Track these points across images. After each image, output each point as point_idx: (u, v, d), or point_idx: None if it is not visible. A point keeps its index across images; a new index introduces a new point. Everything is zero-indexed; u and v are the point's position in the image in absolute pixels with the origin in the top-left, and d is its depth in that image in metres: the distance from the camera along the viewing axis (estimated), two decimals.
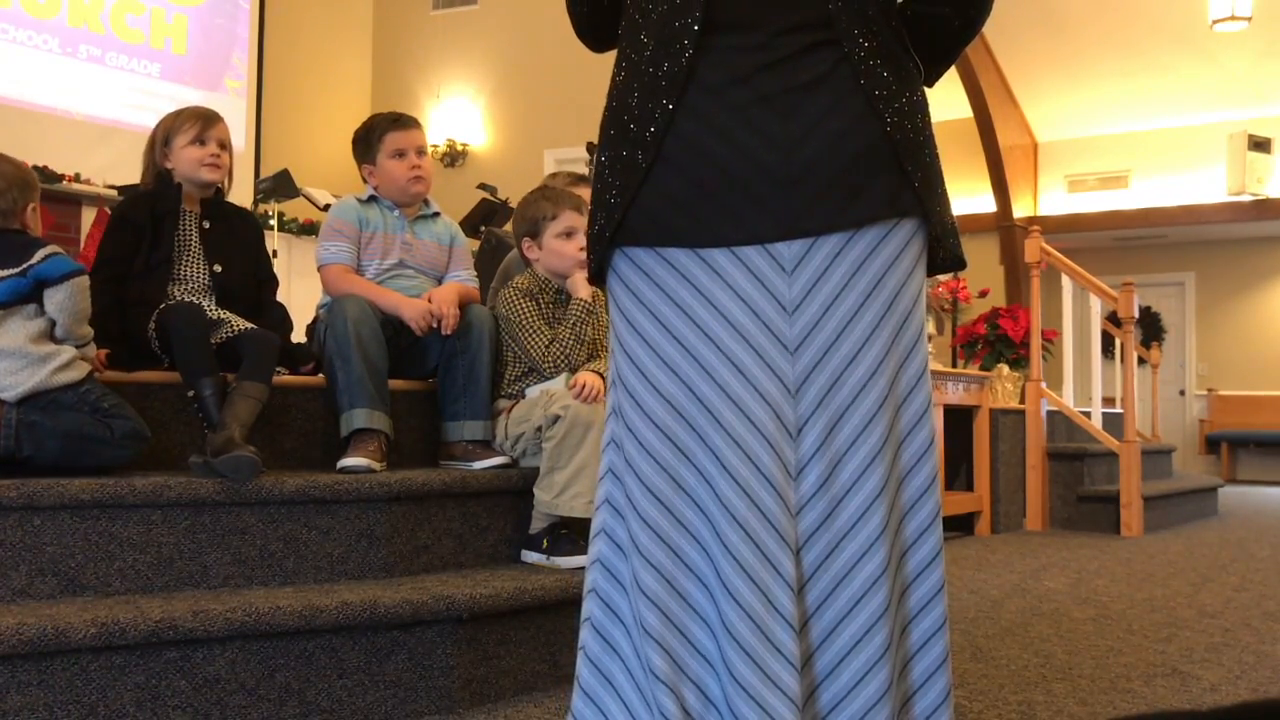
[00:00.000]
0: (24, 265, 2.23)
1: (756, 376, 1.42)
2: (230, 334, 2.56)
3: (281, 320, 2.83)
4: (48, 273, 2.24)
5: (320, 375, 2.74)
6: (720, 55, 1.45)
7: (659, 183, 1.45)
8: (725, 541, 1.40)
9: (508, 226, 4.64)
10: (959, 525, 5.38)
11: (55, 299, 2.24)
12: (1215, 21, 7.33)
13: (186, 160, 2.71)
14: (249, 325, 2.62)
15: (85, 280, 2.29)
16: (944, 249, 1.53)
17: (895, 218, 1.46)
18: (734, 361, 1.43)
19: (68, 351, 2.24)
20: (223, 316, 2.61)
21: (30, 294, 2.23)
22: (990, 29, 9.05)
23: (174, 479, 2.17)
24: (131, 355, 2.56)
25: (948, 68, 1.65)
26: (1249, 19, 7.26)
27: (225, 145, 2.80)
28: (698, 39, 1.44)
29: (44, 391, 2.20)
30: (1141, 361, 7.73)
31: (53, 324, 2.26)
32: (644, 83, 1.47)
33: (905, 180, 1.46)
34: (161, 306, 2.56)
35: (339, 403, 2.61)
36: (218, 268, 2.71)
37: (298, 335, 3.00)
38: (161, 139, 2.75)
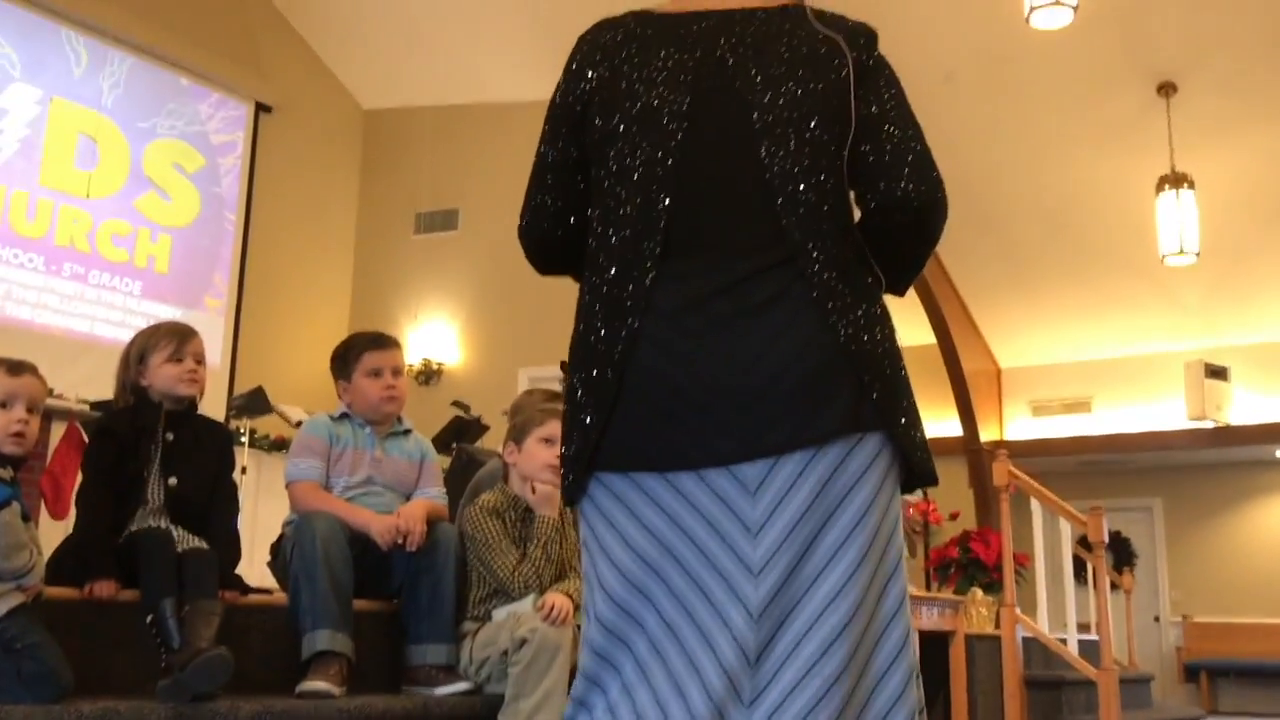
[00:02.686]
0: None
1: (720, 600, 1.41)
2: (178, 551, 2.50)
3: (228, 545, 2.70)
4: None
5: (278, 594, 2.68)
6: (677, 281, 1.48)
7: (627, 407, 1.47)
8: None
9: (480, 443, 4.64)
10: None
11: None
12: (1166, 255, 7.64)
13: (163, 377, 2.68)
14: (192, 544, 2.55)
15: (5, 515, 2.19)
16: (915, 464, 1.51)
17: (857, 433, 1.45)
18: (699, 585, 1.42)
19: None
20: (175, 534, 2.56)
21: None
22: (950, 258, 9.40)
23: (123, 704, 2.09)
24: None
25: (914, 275, 1.67)
26: (1197, 253, 7.59)
27: (200, 360, 2.78)
28: (658, 263, 1.47)
29: None
30: (1114, 587, 7.67)
31: None
32: (608, 305, 1.50)
33: (864, 393, 1.46)
34: (132, 530, 2.51)
35: (301, 623, 2.55)
36: (173, 481, 2.65)
37: (263, 552, 2.94)
38: (136, 356, 2.71)
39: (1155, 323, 9.73)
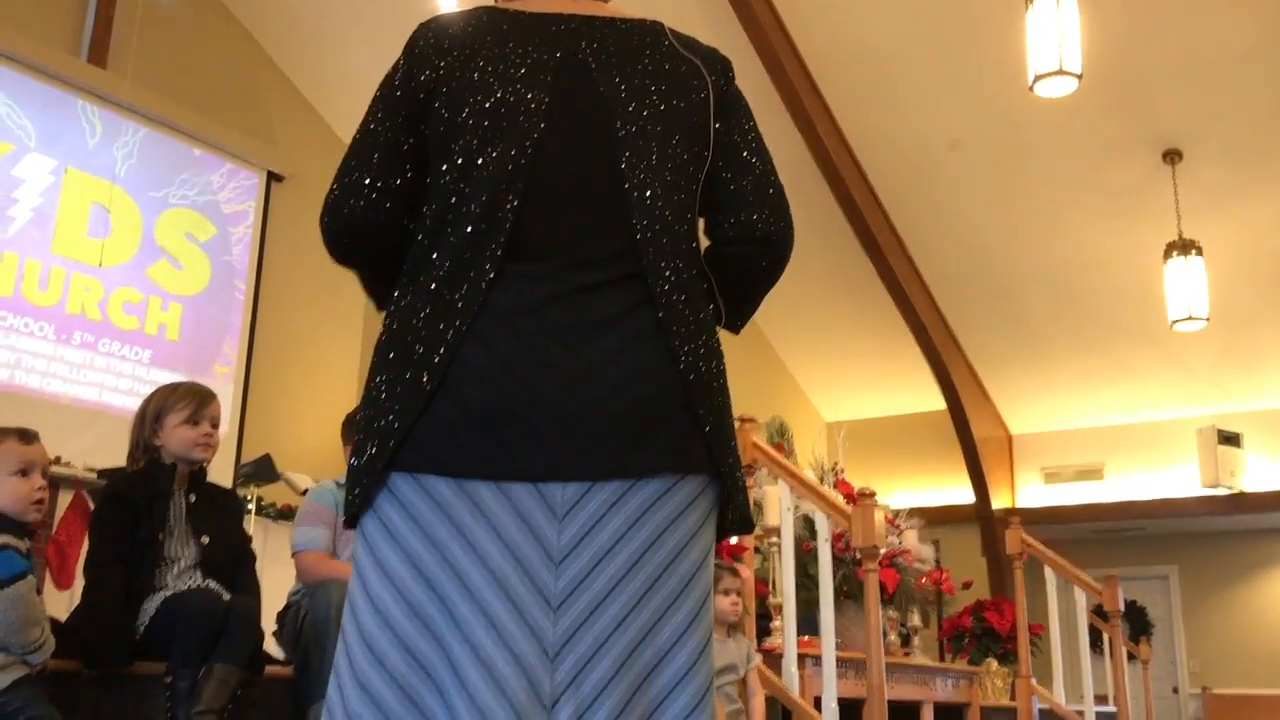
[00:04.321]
0: None
1: (511, 634, 1.27)
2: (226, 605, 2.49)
3: (253, 598, 2.74)
4: None
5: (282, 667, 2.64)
6: (515, 282, 1.37)
7: (438, 409, 1.33)
8: None
9: None
10: None
11: None
12: (1175, 322, 7.63)
13: (178, 439, 2.65)
14: (231, 597, 2.54)
15: (24, 586, 2.17)
16: (734, 508, 1.43)
17: (681, 472, 1.36)
18: (488, 614, 1.27)
19: None
20: (208, 586, 2.55)
21: None
22: (959, 325, 9.41)
23: None
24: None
25: (752, 312, 1.60)
26: (1206, 319, 7.57)
27: (216, 424, 2.76)
28: (500, 264, 1.37)
29: None
30: (1131, 658, 7.55)
31: None
32: (435, 305, 1.38)
33: (696, 427, 1.38)
34: (170, 594, 2.48)
35: (310, 693, 2.51)
36: (205, 539, 2.64)
37: (267, 623, 2.91)
38: (152, 415, 2.68)
39: (1166, 389, 9.70)
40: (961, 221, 8.46)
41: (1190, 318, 7.54)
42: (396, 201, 1.47)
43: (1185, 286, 7.50)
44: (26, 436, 2.34)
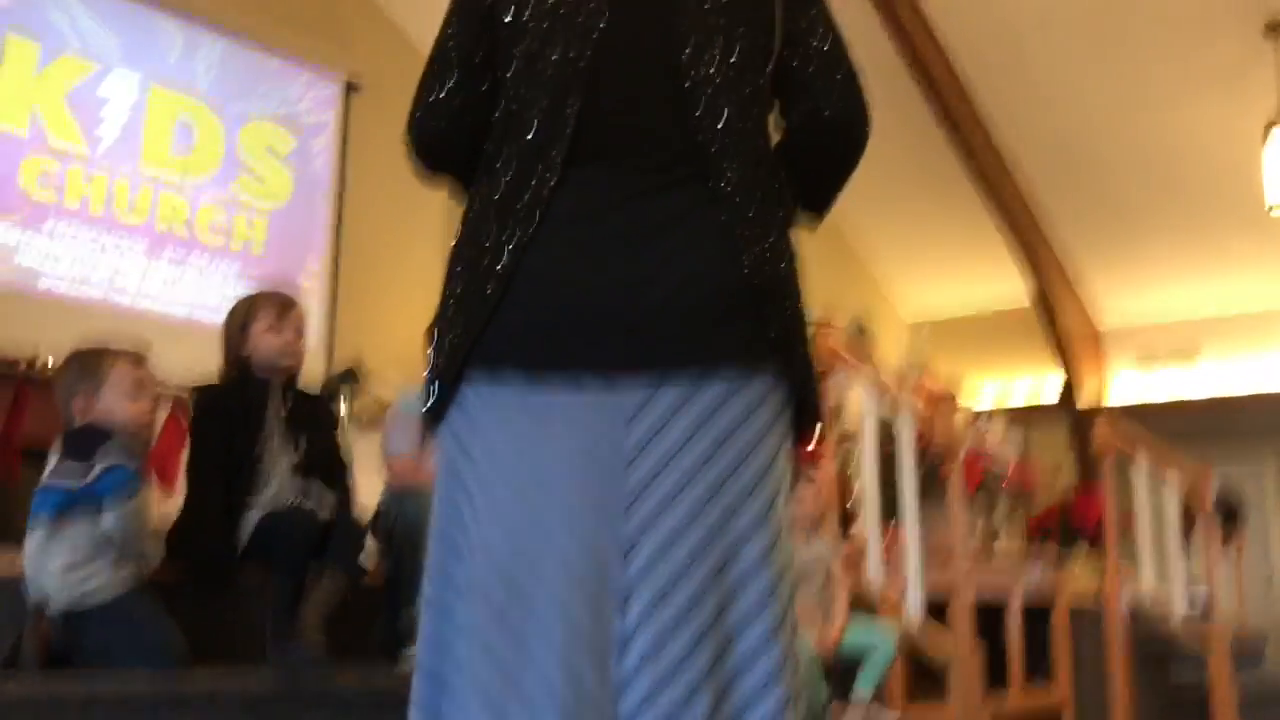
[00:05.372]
0: (83, 481, 2.24)
1: (588, 530, 1.30)
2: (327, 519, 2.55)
3: (351, 504, 2.80)
4: (100, 493, 2.24)
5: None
6: (577, 188, 1.37)
7: (502, 319, 1.36)
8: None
9: None
10: None
11: (107, 524, 2.24)
12: (1273, 207, 7.34)
13: (264, 347, 2.67)
14: (335, 512, 2.61)
15: (139, 502, 2.28)
16: (806, 409, 1.43)
17: (748, 368, 1.36)
18: (566, 513, 1.31)
19: (104, 571, 2.24)
20: (308, 505, 2.61)
21: (84, 509, 2.24)
22: (1044, 214, 9.16)
23: (232, 672, 2.15)
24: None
25: (829, 205, 1.57)
26: None
27: (301, 332, 2.78)
28: (560, 169, 1.37)
29: (77, 611, 2.21)
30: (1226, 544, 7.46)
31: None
32: (499, 213, 1.39)
33: (762, 327, 1.37)
34: (270, 512, 2.54)
35: (402, 598, 2.59)
36: (302, 447, 2.68)
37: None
38: (238, 325, 2.71)
39: (1263, 277, 9.39)
40: (1050, 104, 8.17)
41: None
42: (475, 113, 1.47)
43: None
44: (138, 359, 2.42)
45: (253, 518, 2.51)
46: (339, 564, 2.44)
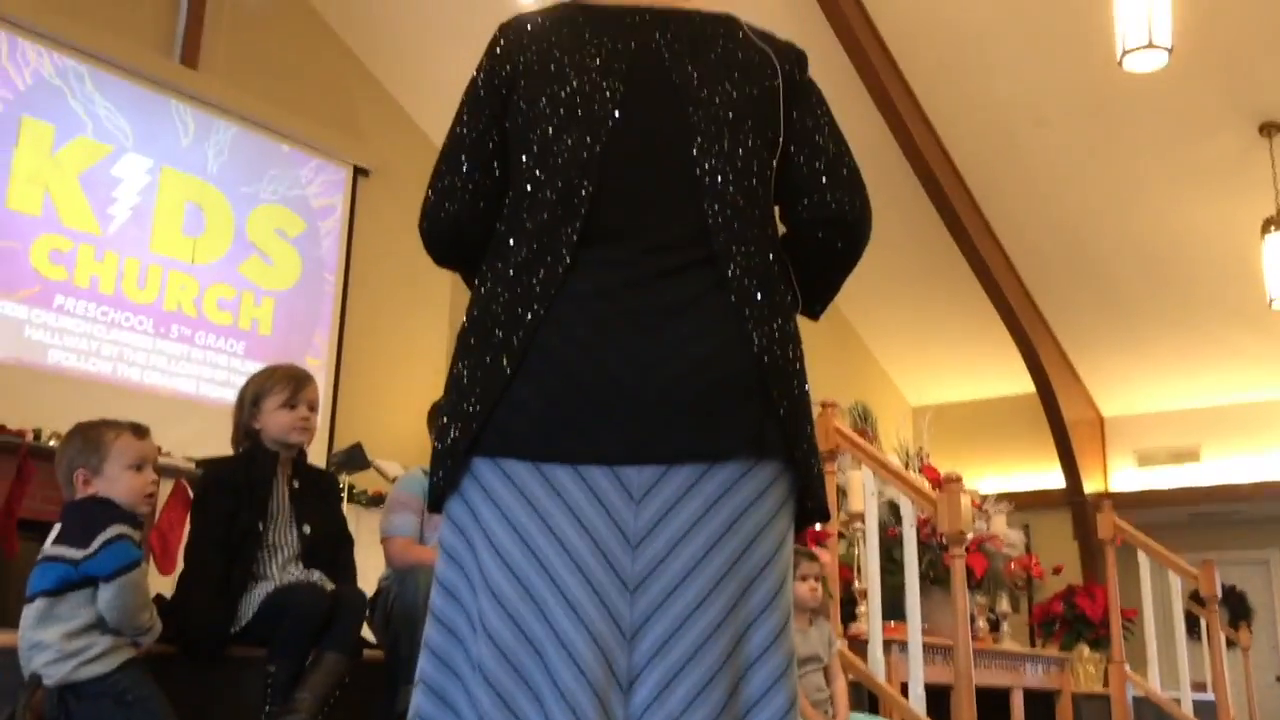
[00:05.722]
0: (83, 553, 2.24)
1: (591, 617, 1.29)
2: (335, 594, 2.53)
3: (355, 581, 2.79)
4: (97, 570, 2.23)
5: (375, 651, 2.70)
6: (591, 267, 1.40)
7: (516, 394, 1.36)
8: None
9: None
10: None
11: (104, 596, 2.23)
12: (1273, 300, 7.39)
13: (276, 423, 2.67)
14: (336, 586, 2.59)
15: (137, 575, 2.27)
16: (811, 496, 1.43)
17: (756, 456, 1.37)
18: (568, 598, 1.30)
19: (99, 645, 2.23)
20: (314, 580, 2.60)
21: (83, 583, 2.24)
22: (1047, 305, 9.23)
23: None
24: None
25: (830, 297, 1.60)
26: None
27: (314, 407, 2.78)
28: (575, 250, 1.40)
29: (72, 684, 2.20)
30: (1231, 645, 7.37)
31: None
32: (513, 291, 1.41)
33: (770, 411, 1.38)
34: (276, 585, 2.52)
35: (399, 676, 2.57)
36: (307, 528, 2.67)
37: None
38: (251, 399, 2.70)
39: (1265, 369, 9.41)
40: (1048, 199, 8.29)
41: None
42: (489, 200, 1.51)
43: None
44: (140, 431, 2.44)
45: (258, 593, 2.50)
46: (339, 643, 2.42)
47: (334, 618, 2.45)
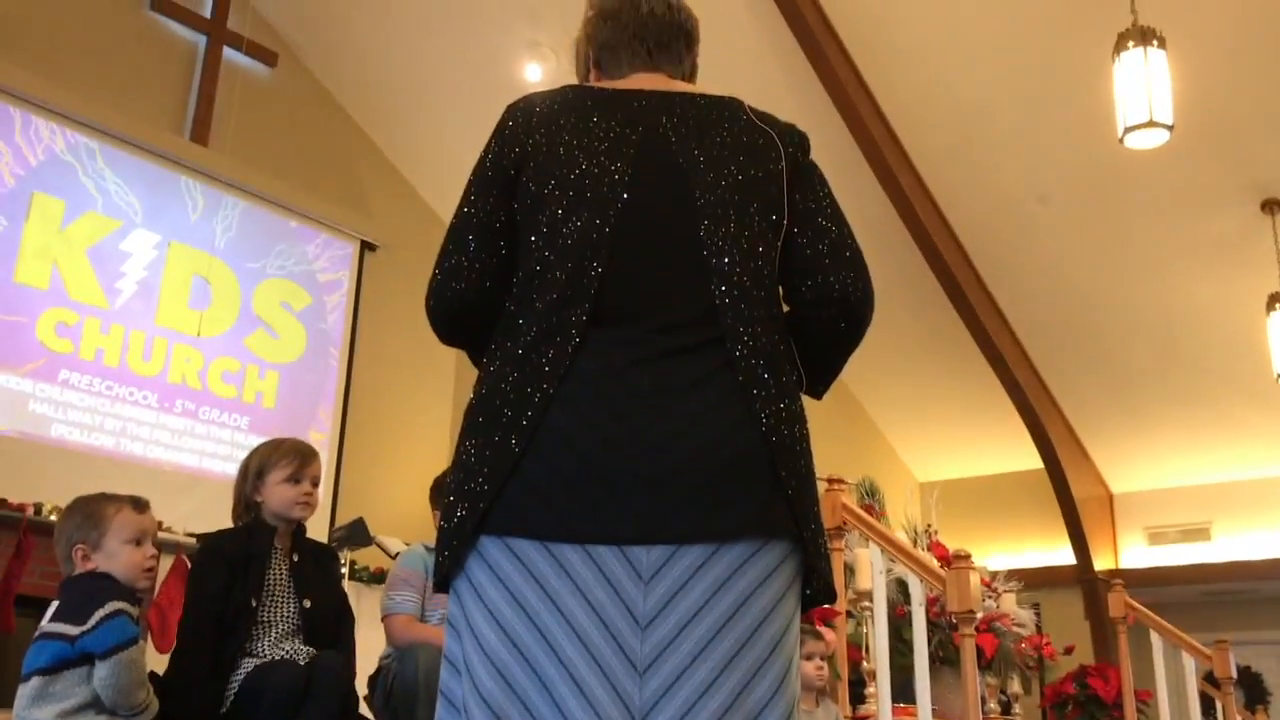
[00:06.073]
0: (80, 630, 2.21)
1: (599, 699, 1.28)
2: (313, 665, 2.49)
3: (350, 657, 2.73)
4: (93, 647, 2.20)
5: None
6: (600, 347, 1.41)
7: (524, 473, 1.36)
8: None
9: None
10: None
11: (100, 674, 2.20)
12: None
13: (279, 497, 2.65)
14: (315, 655, 2.53)
15: (134, 652, 2.24)
16: (817, 577, 1.43)
17: (765, 536, 1.36)
18: (575, 679, 1.29)
19: None
20: (296, 657, 2.55)
21: (79, 660, 2.21)
22: (1054, 381, 9.21)
23: None
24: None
25: (834, 376, 1.60)
26: None
27: (317, 483, 2.76)
28: (584, 330, 1.41)
29: None
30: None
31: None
32: (522, 370, 1.41)
33: (779, 492, 1.38)
34: (264, 661, 2.48)
35: None
36: (307, 603, 2.63)
37: (360, 686, 2.93)
38: (255, 471, 2.69)
39: (1273, 445, 9.36)
40: (1053, 275, 8.32)
41: None
42: (495, 279, 1.52)
43: None
44: (140, 505, 2.42)
45: (242, 673, 2.45)
46: (315, 716, 2.36)
47: (309, 691, 2.40)
